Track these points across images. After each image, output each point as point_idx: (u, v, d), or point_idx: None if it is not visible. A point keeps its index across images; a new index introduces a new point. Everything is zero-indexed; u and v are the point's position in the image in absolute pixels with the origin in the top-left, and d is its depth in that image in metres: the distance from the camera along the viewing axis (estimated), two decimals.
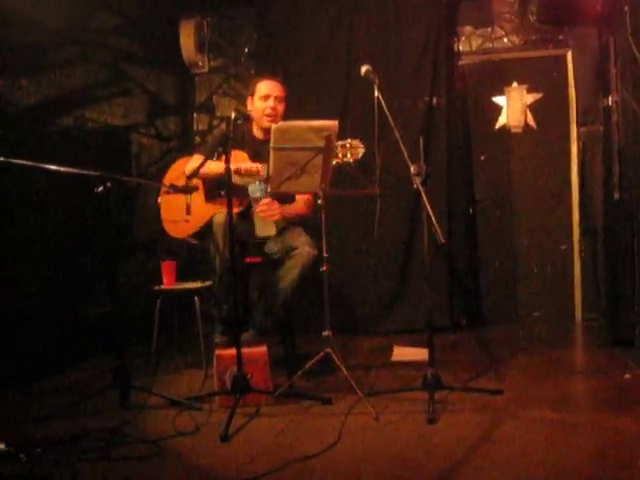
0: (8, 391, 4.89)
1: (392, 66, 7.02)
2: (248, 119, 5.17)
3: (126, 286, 6.42)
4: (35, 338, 5.28)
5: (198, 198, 5.26)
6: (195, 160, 5.11)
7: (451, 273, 7.05)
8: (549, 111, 7.18)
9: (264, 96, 5.30)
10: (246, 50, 7.67)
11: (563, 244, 7.18)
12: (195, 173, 4.57)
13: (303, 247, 5.04)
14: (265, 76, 5.52)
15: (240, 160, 5.08)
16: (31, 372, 5.17)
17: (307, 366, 4.65)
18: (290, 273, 5.04)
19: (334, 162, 4.73)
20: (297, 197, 5.28)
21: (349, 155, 4.76)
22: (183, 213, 5.31)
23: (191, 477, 3.50)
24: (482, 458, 3.44)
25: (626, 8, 5.57)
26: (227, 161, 4.36)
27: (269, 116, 5.27)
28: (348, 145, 4.76)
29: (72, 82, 5.98)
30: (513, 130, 7.25)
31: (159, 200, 5.44)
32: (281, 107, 5.34)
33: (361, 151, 4.75)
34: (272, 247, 5.24)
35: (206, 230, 5.24)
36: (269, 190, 4.69)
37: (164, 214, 5.42)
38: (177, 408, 4.41)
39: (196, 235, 5.36)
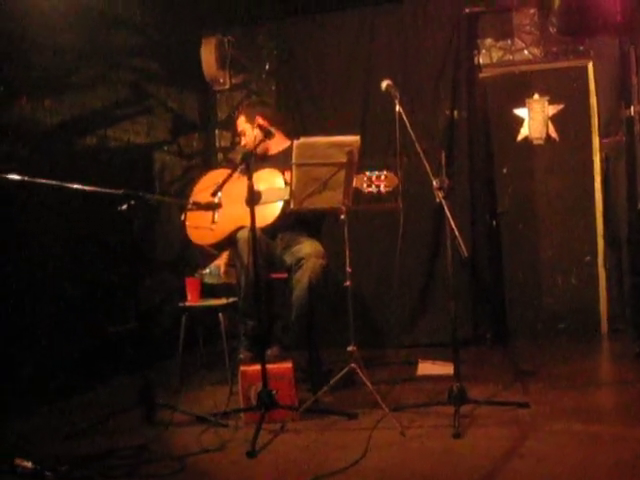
0: (34, 409, 4.91)
1: (412, 80, 7.02)
2: (270, 135, 5.16)
3: (151, 303, 6.44)
4: (61, 356, 5.31)
5: (224, 209, 5.27)
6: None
7: (475, 286, 7.03)
8: (571, 122, 7.14)
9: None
10: (267, 66, 7.70)
11: (587, 255, 7.13)
12: (219, 189, 4.57)
13: (310, 258, 5.06)
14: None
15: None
16: (57, 390, 5.19)
17: (332, 381, 4.66)
18: (298, 286, 5.08)
19: (375, 191, 4.80)
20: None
21: (382, 186, 4.81)
22: (208, 221, 5.32)
23: None
24: (509, 472, 3.42)
25: None
26: (250, 177, 4.38)
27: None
28: (383, 177, 4.80)
29: (95, 102, 6.03)
30: (535, 142, 7.22)
31: (182, 217, 5.47)
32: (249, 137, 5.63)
33: (395, 181, 4.78)
34: (284, 259, 5.27)
35: (227, 242, 5.28)
36: (292, 206, 4.71)
37: (189, 220, 5.45)
38: (203, 425, 4.42)
39: (217, 245, 5.39)
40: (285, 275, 5.32)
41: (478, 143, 7.19)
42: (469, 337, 6.82)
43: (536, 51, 7.17)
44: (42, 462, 3.58)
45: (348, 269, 4.72)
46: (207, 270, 5.38)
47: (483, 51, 7.28)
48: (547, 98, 7.17)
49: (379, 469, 3.59)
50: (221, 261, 5.44)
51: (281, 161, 5.26)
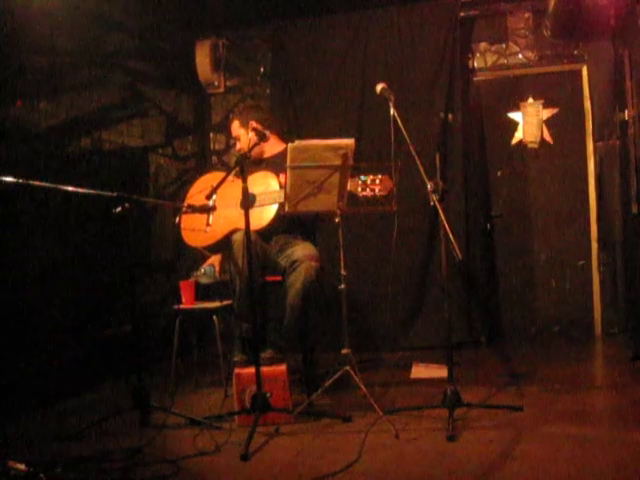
0: (29, 411, 4.91)
1: (407, 83, 7.03)
2: (265, 137, 5.16)
3: (145, 306, 6.43)
4: (55, 358, 5.30)
5: (219, 212, 5.27)
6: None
7: (469, 289, 7.04)
8: (565, 126, 7.16)
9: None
10: (262, 69, 7.71)
11: (581, 259, 7.14)
12: (213, 192, 4.57)
13: (304, 261, 5.06)
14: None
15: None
16: (52, 392, 5.18)
17: (326, 384, 4.65)
18: (292, 288, 5.06)
19: (370, 195, 4.80)
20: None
21: (377, 190, 4.80)
22: (203, 224, 5.30)
23: None
24: (503, 475, 3.42)
25: None
26: (244, 180, 4.38)
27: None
28: (378, 181, 4.80)
29: (89, 104, 6.02)
30: (529, 145, 7.24)
31: (177, 220, 5.46)
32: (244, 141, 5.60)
33: (390, 185, 4.78)
34: (279, 262, 5.27)
35: (222, 244, 5.27)
36: (286, 209, 4.71)
37: (184, 222, 5.43)
38: (197, 428, 4.42)
39: (211, 247, 5.39)
40: (279, 278, 5.31)
41: (472, 146, 7.22)
42: (463, 340, 6.83)
43: (530, 55, 7.19)
44: (36, 464, 3.57)
45: (342, 272, 4.71)
46: (201, 270, 5.38)
47: (477, 55, 7.30)
48: (541, 102, 7.18)
49: (373, 472, 3.59)
50: (215, 260, 5.44)
51: (276, 164, 5.26)
